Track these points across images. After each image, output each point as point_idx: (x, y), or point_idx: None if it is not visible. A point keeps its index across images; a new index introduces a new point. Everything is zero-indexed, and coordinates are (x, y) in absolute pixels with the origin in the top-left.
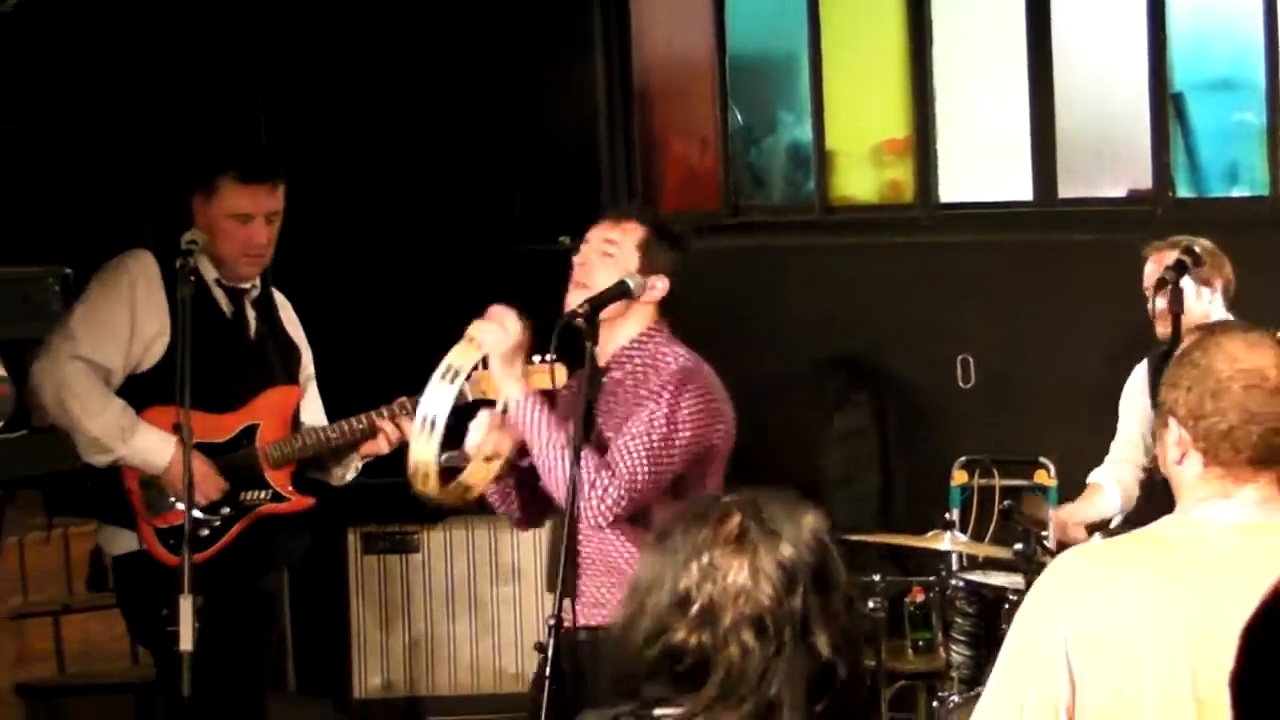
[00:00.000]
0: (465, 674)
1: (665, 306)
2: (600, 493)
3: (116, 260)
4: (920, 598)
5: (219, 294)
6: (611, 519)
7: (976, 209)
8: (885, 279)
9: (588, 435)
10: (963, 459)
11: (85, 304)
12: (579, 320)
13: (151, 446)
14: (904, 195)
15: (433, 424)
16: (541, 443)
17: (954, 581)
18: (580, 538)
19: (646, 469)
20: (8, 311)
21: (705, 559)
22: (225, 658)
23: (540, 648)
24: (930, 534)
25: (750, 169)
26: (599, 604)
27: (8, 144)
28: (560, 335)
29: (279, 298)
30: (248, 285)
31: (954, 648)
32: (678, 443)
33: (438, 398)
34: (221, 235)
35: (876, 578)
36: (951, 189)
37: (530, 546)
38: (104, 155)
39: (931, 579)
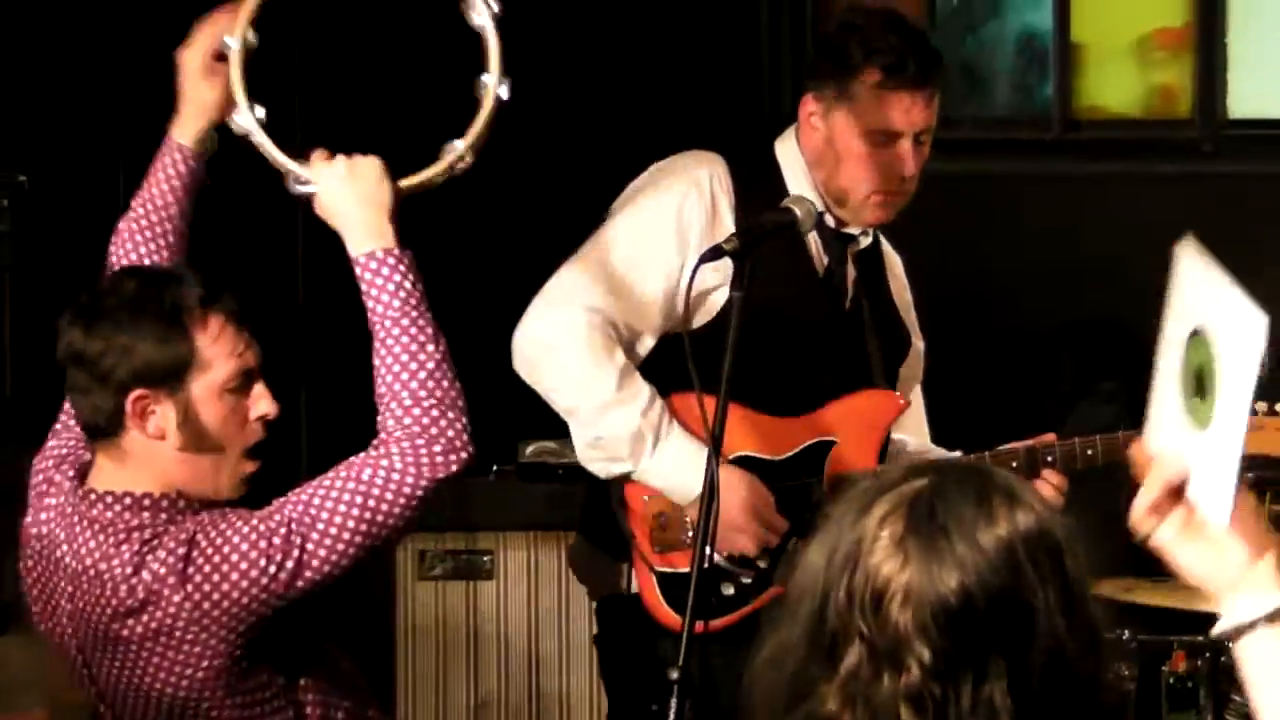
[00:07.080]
0: None
1: None
2: None
3: (668, 164)
4: (1184, 666)
5: (813, 238)
6: None
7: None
8: (1150, 219)
9: None
10: (1250, 475)
11: (613, 232)
12: None
13: (681, 465)
14: (1178, 107)
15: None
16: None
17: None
18: None
19: None
20: None
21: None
22: None
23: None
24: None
25: (964, 66)
26: None
27: None
28: None
29: (890, 254)
30: (857, 231)
31: None
32: None
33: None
34: (848, 159)
35: (1124, 635)
36: (1243, 100)
37: None
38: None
39: (1201, 640)
